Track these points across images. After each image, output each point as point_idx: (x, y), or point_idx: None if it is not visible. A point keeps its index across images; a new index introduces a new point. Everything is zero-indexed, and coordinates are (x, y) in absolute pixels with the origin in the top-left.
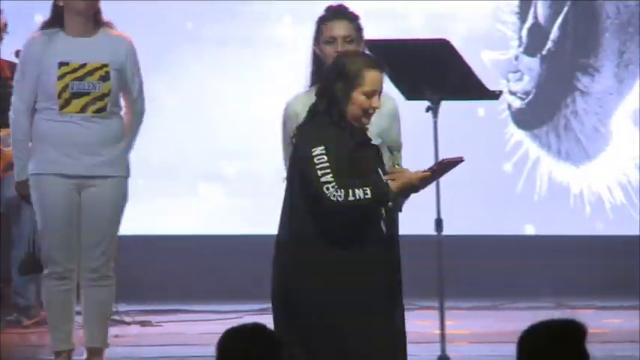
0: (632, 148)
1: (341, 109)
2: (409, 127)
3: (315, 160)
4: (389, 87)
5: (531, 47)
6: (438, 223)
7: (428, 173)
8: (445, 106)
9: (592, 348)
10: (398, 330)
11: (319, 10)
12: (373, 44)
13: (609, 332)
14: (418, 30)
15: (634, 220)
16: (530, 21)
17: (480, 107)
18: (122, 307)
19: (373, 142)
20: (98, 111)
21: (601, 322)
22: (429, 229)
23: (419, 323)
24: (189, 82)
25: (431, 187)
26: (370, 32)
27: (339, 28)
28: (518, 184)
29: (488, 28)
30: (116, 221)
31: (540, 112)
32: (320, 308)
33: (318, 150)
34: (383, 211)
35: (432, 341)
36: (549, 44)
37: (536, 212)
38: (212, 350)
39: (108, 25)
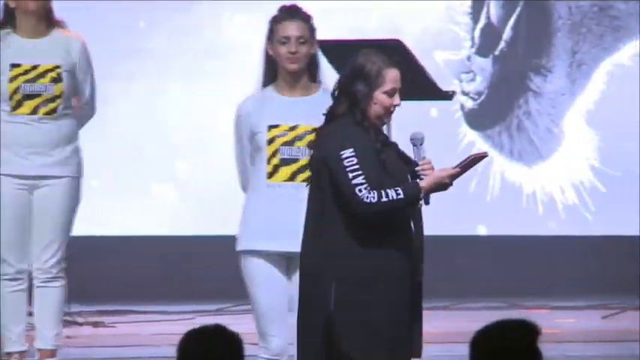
0: (585, 148)
1: (363, 110)
2: None
3: (346, 163)
4: None
5: (484, 48)
6: None
7: (458, 170)
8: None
9: (545, 348)
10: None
11: (272, 9)
12: (326, 44)
13: (563, 332)
14: (371, 30)
15: (586, 220)
16: (482, 21)
17: (433, 107)
18: (74, 308)
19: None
20: (49, 112)
21: (554, 322)
22: None
23: None
24: (142, 83)
25: None
26: (323, 32)
27: (293, 29)
28: (470, 185)
29: (441, 29)
30: (68, 222)
31: (493, 113)
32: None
33: (347, 152)
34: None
35: None
36: (502, 45)
37: (489, 212)
38: (165, 351)
39: (60, 25)
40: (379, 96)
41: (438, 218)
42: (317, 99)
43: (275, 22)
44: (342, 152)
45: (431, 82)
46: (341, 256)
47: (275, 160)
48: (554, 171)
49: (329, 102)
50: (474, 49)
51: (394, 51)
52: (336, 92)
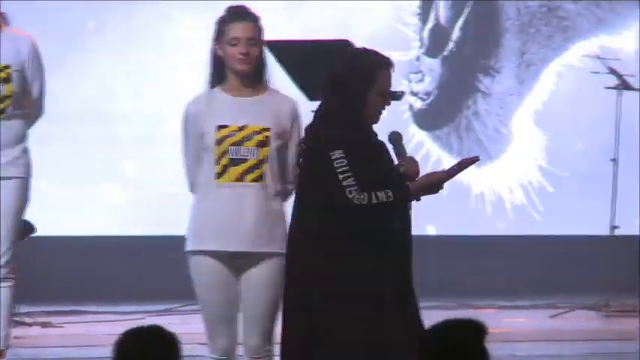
0: (533, 148)
1: (356, 109)
2: None
3: (335, 164)
4: (291, 87)
5: (433, 48)
6: None
7: (448, 174)
8: None
9: (493, 347)
10: (412, 317)
11: (222, 10)
12: (275, 45)
13: (511, 331)
14: (320, 30)
15: (534, 220)
16: (431, 22)
17: None
18: (23, 309)
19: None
20: None
21: (502, 321)
22: None
23: None
24: (91, 83)
25: None
26: (272, 33)
27: (243, 30)
28: None
29: (390, 29)
30: (17, 222)
31: (442, 113)
32: (335, 303)
33: (337, 154)
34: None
35: None
36: (450, 45)
37: (438, 212)
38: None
39: (3, 19)
40: (372, 97)
41: None
42: (265, 99)
43: (223, 23)
44: (332, 153)
45: None
46: (331, 255)
47: (224, 161)
48: (503, 171)
49: (277, 101)
50: (422, 50)
51: (343, 51)
52: (328, 89)
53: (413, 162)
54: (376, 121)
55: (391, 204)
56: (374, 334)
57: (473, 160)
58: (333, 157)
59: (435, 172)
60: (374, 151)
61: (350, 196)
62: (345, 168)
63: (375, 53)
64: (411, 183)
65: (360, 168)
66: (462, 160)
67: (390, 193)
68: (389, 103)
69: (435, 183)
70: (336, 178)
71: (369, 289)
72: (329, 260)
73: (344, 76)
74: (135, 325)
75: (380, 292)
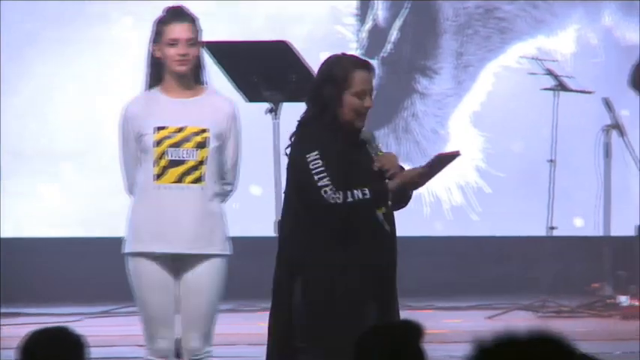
0: (471, 149)
1: (333, 113)
2: (250, 128)
3: (311, 166)
4: (230, 89)
5: (371, 49)
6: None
7: (427, 169)
8: (286, 107)
9: (429, 348)
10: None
11: (160, 11)
12: (212, 46)
13: (447, 332)
14: (258, 32)
15: (472, 221)
16: (369, 23)
17: None
18: None
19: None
20: None
21: (439, 322)
22: (269, 231)
23: (260, 325)
24: (30, 84)
25: (269, 188)
26: (210, 34)
27: (182, 31)
28: None
29: (328, 30)
30: None
31: (380, 114)
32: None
33: (312, 155)
34: (383, 209)
35: None
36: (389, 46)
37: None
38: None
39: None
40: (348, 98)
41: None
42: (204, 100)
43: (162, 23)
44: (307, 155)
45: None
46: (309, 252)
47: (162, 162)
48: (441, 172)
49: (215, 102)
50: (360, 51)
51: (280, 52)
52: (307, 97)
53: (388, 158)
54: (358, 122)
55: (368, 201)
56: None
57: (453, 155)
58: (309, 159)
59: (413, 169)
60: (351, 151)
61: (325, 195)
62: (320, 169)
63: (350, 56)
64: (390, 180)
65: (336, 168)
66: (440, 154)
67: (367, 191)
68: (369, 103)
69: (413, 179)
70: (312, 179)
71: (347, 290)
72: (307, 259)
73: (319, 82)
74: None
75: (360, 294)
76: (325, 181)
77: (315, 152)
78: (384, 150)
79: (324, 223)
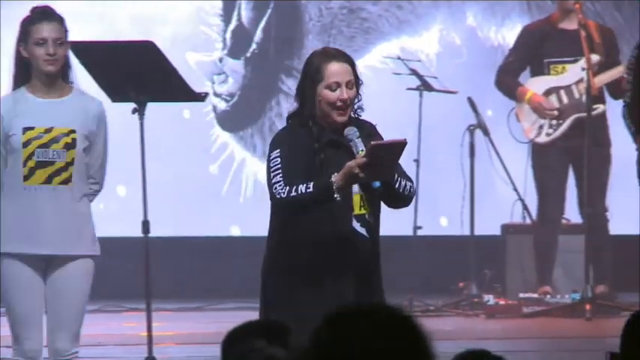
0: None
1: (310, 108)
2: (117, 128)
3: (271, 164)
4: (97, 89)
5: (235, 49)
6: (145, 225)
7: (364, 160)
8: (151, 107)
9: None
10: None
11: (27, 11)
12: (78, 46)
13: None
14: (124, 32)
15: None
16: (234, 23)
17: (186, 109)
18: None
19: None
20: None
21: None
22: (137, 231)
23: (126, 325)
24: None
25: (134, 188)
26: (75, 34)
27: (50, 30)
28: (224, 186)
29: (193, 30)
30: None
31: (245, 114)
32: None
33: (274, 154)
34: (362, 210)
35: (139, 343)
36: (253, 46)
37: (242, 213)
38: None
39: None
40: (322, 92)
41: (193, 219)
42: (71, 100)
43: (30, 23)
44: (270, 154)
45: (183, 83)
46: (278, 252)
47: (31, 163)
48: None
49: (83, 103)
50: (225, 51)
51: (146, 53)
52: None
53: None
54: (336, 116)
55: (310, 195)
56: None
57: (398, 143)
58: (271, 158)
59: (350, 161)
60: (323, 148)
61: (274, 191)
62: (277, 166)
63: (325, 49)
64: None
65: (293, 165)
66: (375, 143)
67: (310, 185)
68: (344, 95)
69: (351, 170)
70: (269, 177)
71: (314, 284)
72: (272, 256)
73: (300, 79)
74: None
75: (323, 287)
76: (278, 178)
77: (277, 151)
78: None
79: (281, 218)
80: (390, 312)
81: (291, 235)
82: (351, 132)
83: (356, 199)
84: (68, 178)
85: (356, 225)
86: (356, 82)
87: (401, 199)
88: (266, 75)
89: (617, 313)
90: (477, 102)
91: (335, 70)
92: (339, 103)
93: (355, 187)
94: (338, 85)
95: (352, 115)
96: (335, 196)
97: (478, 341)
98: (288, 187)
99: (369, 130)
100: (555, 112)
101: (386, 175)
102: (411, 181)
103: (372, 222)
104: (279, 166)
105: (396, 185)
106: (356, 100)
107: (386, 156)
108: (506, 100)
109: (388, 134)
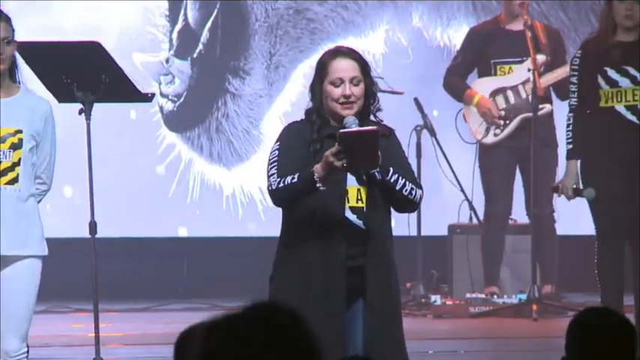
0: None
1: (317, 103)
2: (64, 129)
3: (270, 157)
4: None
5: (182, 50)
6: (92, 226)
7: (337, 147)
8: (97, 108)
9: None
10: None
11: None
12: (24, 46)
13: None
14: (69, 31)
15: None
16: (180, 24)
17: (132, 109)
18: None
19: None
20: None
21: None
22: (84, 232)
23: (73, 326)
24: None
25: (81, 189)
26: (20, 34)
27: None
28: (171, 187)
29: (140, 31)
30: None
31: (192, 115)
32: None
33: (274, 147)
34: (359, 203)
35: (86, 344)
36: (200, 47)
37: (189, 214)
38: None
39: None
40: (326, 87)
41: (140, 220)
42: (18, 100)
43: None
44: (272, 149)
45: (130, 84)
46: (278, 253)
47: None
48: (254, 172)
49: (30, 103)
50: (172, 52)
51: (92, 53)
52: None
53: None
54: (342, 111)
55: (295, 184)
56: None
57: (371, 132)
58: (271, 151)
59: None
60: (321, 143)
61: (268, 183)
62: (275, 159)
63: (334, 47)
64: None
65: (289, 158)
66: (344, 131)
67: (296, 176)
68: (348, 91)
69: (327, 159)
70: (267, 170)
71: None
72: (276, 259)
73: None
74: None
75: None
76: (272, 171)
77: (277, 144)
78: None
79: (284, 215)
80: (273, 310)
81: (289, 229)
82: (350, 120)
83: (352, 191)
84: (15, 178)
85: (350, 215)
86: (366, 81)
87: (404, 202)
88: (213, 75)
89: (564, 313)
90: (424, 103)
91: (339, 66)
92: (341, 100)
93: (353, 181)
94: (342, 80)
95: (373, 119)
96: (317, 185)
97: (427, 341)
98: (279, 179)
99: (384, 132)
100: (501, 121)
101: (366, 165)
102: (419, 187)
103: (372, 216)
104: (276, 159)
105: (397, 186)
106: (372, 101)
107: (358, 145)
108: (452, 101)
109: None
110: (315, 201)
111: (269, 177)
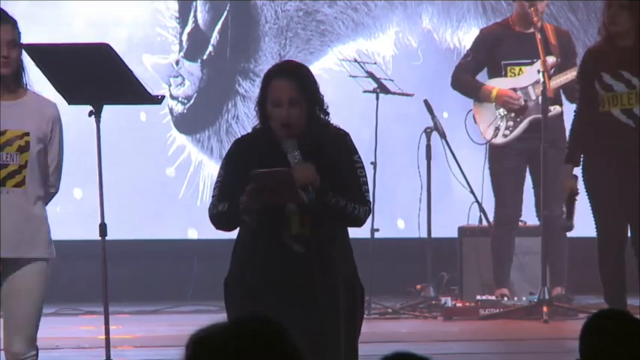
0: None
1: (263, 124)
2: (74, 131)
3: (216, 178)
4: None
5: (192, 52)
6: (102, 228)
7: (250, 187)
8: (107, 110)
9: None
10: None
11: None
12: (33, 48)
13: None
14: (80, 35)
15: None
16: (190, 26)
17: (142, 112)
18: None
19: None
20: None
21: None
22: (94, 234)
23: (83, 328)
24: None
25: (91, 191)
26: (30, 36)
27: (3, 32)
28: (181, 189)
29: (149, 33)
30: None
31: (202, 117)
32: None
33: (221, 163)
34: (293, 229)
35: (96, 346)
36: (210, 49)
37: (199, 216)
38: None
39: None
40: (268, 107)
41: (151, 222)
42: (25, 103)
43: None
44: (219, 168)
45: (140, 86)
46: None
47: None
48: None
49: (36, 105)
50: (182, 54)
51: (102, 55)
52: None
53: (298, 169)
54: (283, 131)
55: (225, 214)
56: None
57: (270, 172)
58: (220, 167)
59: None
60: (263, 162)
61: (210, 205)
62: (218, 179)
63: (276, 65)
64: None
65: (228, 180)
66: (252, 172)
67: (226, 205)
68: (284, 113)
69: (246, 195)
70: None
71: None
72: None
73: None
74: None
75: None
76: (215, 192)
77: (222, 164)
78: (307, 160)
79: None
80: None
81: (238, 246)
82: (288, 143)
83: (294, 218)
84: (22, 181)
85: (290, 241)
86: (306, 96)
87: (347, 221)
88: (223, 77)
89: (574, 315)
90: (433, 104)
91: (277, 86)
92: (281, 120)
93: (292, 208)
94: (279, 101)
95: (323, 122)
96: (242, 217)
97: (437, 343)
98: (213, 206)
99: (330, 140)
100: (522, 102)
101: (287, 199)
102: (365, 203)
103: (319, 240)
104: (220, 180)
105: (337, 208)
106: (316, 119)
107: (272, 183)
108: (462, 103)
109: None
110: (257, 224)
111: (212, 198)
